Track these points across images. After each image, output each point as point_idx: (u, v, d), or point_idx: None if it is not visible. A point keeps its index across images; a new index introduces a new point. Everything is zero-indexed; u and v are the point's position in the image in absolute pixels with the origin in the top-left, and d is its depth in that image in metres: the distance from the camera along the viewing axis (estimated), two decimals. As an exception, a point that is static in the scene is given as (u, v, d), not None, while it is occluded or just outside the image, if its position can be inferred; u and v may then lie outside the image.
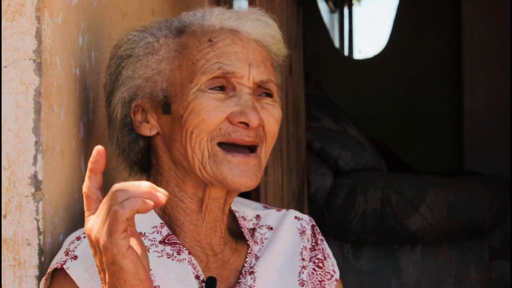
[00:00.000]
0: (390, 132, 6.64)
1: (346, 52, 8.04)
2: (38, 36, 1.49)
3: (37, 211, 1.49)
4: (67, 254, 1.47)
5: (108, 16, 1.80)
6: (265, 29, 1.60)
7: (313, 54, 6.66)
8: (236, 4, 3.35)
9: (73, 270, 1.44)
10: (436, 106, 6.76)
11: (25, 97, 1.48)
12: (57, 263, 1.46)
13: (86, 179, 1.33)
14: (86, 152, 1.68)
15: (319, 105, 4.85)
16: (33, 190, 1.49)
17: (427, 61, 6.81)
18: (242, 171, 1.51)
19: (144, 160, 1.63)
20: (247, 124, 1.51)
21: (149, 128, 1.58)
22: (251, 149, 1.54)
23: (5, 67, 1.48)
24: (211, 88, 1.52)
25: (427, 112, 6.77)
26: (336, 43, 7.81)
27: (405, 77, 6.83)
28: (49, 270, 1.47)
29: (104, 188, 1.35)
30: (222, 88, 1.53)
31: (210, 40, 1.54)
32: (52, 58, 1.53)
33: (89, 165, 1.33)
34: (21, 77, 1.48)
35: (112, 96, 1.61)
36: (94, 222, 1.31)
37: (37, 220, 1.49)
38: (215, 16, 1.57)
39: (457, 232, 4.62)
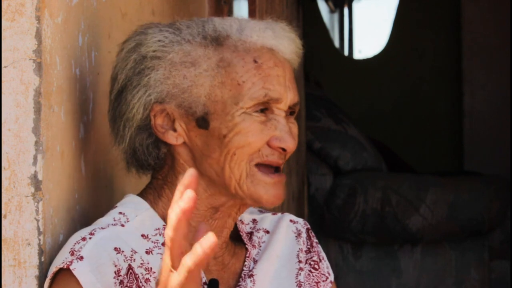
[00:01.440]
0: (390, 132, 6.64)
1: (346, 52, 8.04)
2: (38, 36, 1.48)
3: (37, 211, 1.49)
4: (72, 254, 1.46)
5: (108, 16, 1.80)
6: (293, 47, 1.60)
7: (313, 54, 6.66)
8: (236, 5, 3.34)
9: (79, 271, 1.43)
10: (436, 106, 6.75)
11: (25, 97, 1.48)
12: (63, 262, 1.45)
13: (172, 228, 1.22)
14: (86, 152, 1.68)
15: (319, 105, 4.85)
16: (33, 190, 1.49)
17: (427, 61, 6.80)
18: (276, 191, 1.55)
19: (158, 165, 1.60)
20: (284, 149, 1.54)
21: (176, 136, 1.55)
22: (276, 168, 1.57)
23: (5, 67, 1.48)
24: (255, 111, 1.53)
25: (427, 112, 6.76)
26: (336, 43, 7.81)
27: (405, 77, 6.83)
28: (55, 269, 1.46)
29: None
30: (263, 110, 1.54)
31: (255, 61, 1.53)
32: (52, 58, 1.53)
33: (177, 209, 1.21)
34: (21, 77, 1.48)
35: (127, 93, 1.56)
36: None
37: (37, 220, 1.49)
38: (257, 33, 1.55)
39: (457, 232, 4.62)
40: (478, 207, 4.60)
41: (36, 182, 1.49)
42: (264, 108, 1.54)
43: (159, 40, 1.55)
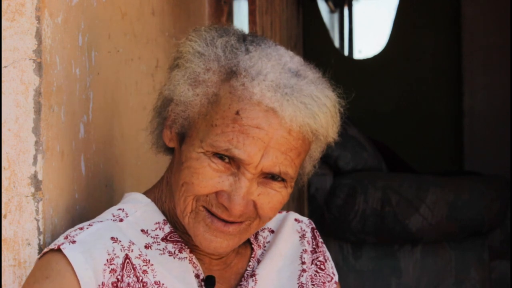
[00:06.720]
0: (390, 132, 6.64)
1: (346, 52, 8.04)
2: (38, 36, 1.49)
3: (37, 211, 1.49)
4: (66, 238, 1.46)
5: (108, 16, 1.80)
6: (306, 120, 1.46)
7: (313, 54, 6.66)
8: (236, 5, 3.34)
9: (69, 251, 1.44)
10: (436, 106, 6.76)
11: (25, 97, 1.48)
12: (55, 244, 1.45)
13: None
14: (86, 152, 1.68)
15: (319, 105, 4.84)
16: (33, 190, 1.49)
17: (427, 61, 6.81)
18: (214, 238, 1.48)
19: (160, 151, 1.62)
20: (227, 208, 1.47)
21: (169, 139, 1.55)
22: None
23: (5, 67, 1.48)
24: (216, 156, 1.46)
25: (427, 112, 6.76)
26: (336, 43, 7.81)
27: (405, 77, 6.83)
28: (46, 250, 1.46)
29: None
30: (224, 158, 1.46)
31: (237, 113, 1.44)
32: (52, 58, 1.53)
33: None
34: (21, 77, 1.48)
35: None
36: None
37: (37, 220, 1.49)
38: (262, 88, 1.44)
39: (457, 232, 4.62)
40: (478, 207, 4.60)
41: (36, 182, 1.49)
42: (230, 157, 1.45)
43: (192, 43, 1.52)
